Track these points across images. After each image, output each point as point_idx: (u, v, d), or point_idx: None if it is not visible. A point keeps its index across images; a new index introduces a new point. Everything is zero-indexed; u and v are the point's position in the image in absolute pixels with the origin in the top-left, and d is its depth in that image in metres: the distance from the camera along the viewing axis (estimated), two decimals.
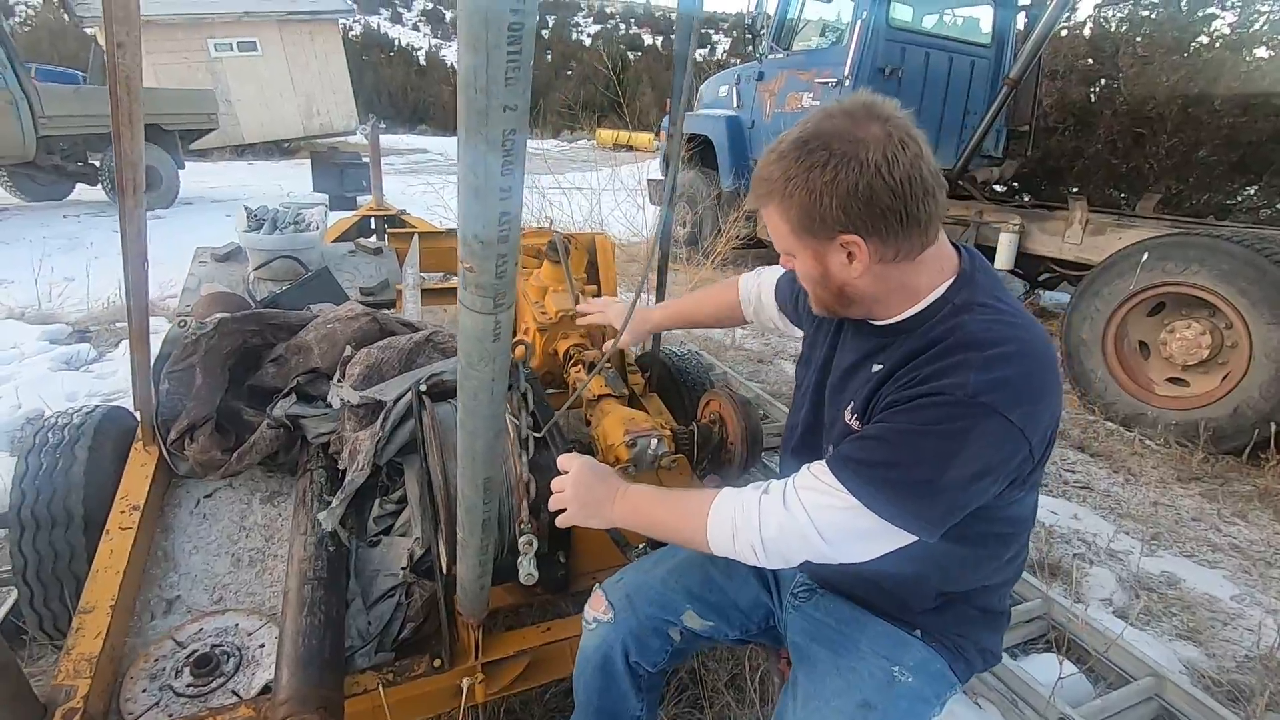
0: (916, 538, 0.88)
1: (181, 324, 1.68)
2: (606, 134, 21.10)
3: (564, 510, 1.07)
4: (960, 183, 5.44)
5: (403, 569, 1.50)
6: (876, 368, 0.97)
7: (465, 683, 1.30)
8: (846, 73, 5.12)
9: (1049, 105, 6.85)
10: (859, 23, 5.05)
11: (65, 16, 14.73)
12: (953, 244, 1.00)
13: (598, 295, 2.25)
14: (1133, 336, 3.59)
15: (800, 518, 0.89)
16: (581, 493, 1.06)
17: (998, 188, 6.58)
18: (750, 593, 1.14)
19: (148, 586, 1.54)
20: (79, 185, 8.60)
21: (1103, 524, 2.67)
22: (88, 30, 14.49)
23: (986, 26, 5.93)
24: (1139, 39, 6.95)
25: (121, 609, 1.41)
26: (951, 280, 0.95)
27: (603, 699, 1.13)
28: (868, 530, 0.88)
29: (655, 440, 1.46)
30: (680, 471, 1.51)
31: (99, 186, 8.11)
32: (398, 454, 1.59)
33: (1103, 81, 7.10)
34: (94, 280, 4.80)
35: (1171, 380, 3.46)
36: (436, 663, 1.34)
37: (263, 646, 1.41)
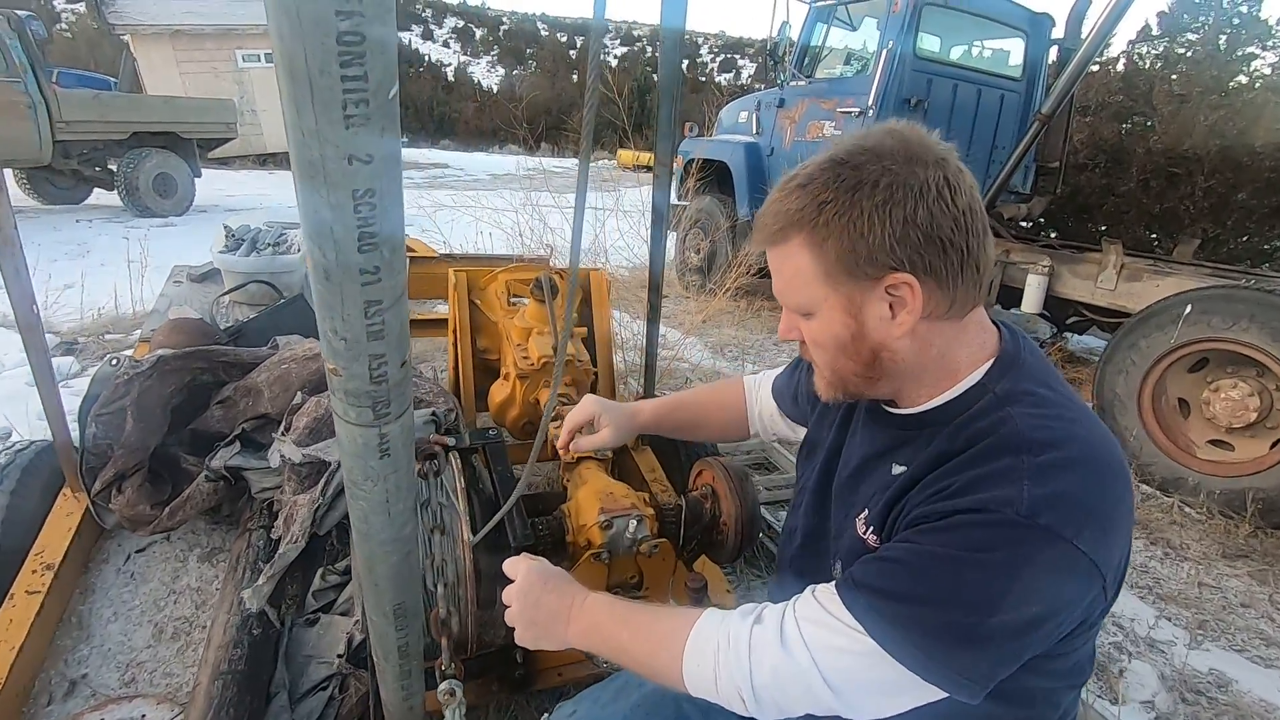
0: (950, 695, 0.67)
1: (112, 362, 1.51)
2: (627, 155, 21.03)
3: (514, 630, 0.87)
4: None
5: (339, 656, 1.31)
6: (898, 469, 0.77)
7: None
8: (870, 102, 4.95)
9: (1079, 142, 6.64)
10: (884, 52, 4.88)
11: (107, 24, 14.98)
12: (994, 321, 0.81)
13: (588, 337, 2.06)
14: (1172, 393, 3.34)
15: (802, 661, 0.69)
16: (528, 610, 0.86)
17: (1024, 224, 6.36)
18: None
19: (53, 660, 1.36)
20: (96, 190, 8.62)
21: (1141, 607, 2.41)
22: (123, 37, 14.74)
23: (1017, 59, 5.75)
24: (1175, 77, 6.74)
25: (9, 693, 1.22)
26: (991, 362, 0.76)
27: None
28: (889, 683, 0.67)
29: (634, 521, 1.25)
30: (664, 557, 1.31)
31: (115, 192, 8.11)
32: (346, 520, 1.40)
33: (1136, 119, 6.89)
34: (93, 289, 4.70)
35: (1214, 443, 3.20)
36: None
37: None
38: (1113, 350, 3.52)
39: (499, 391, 1.86)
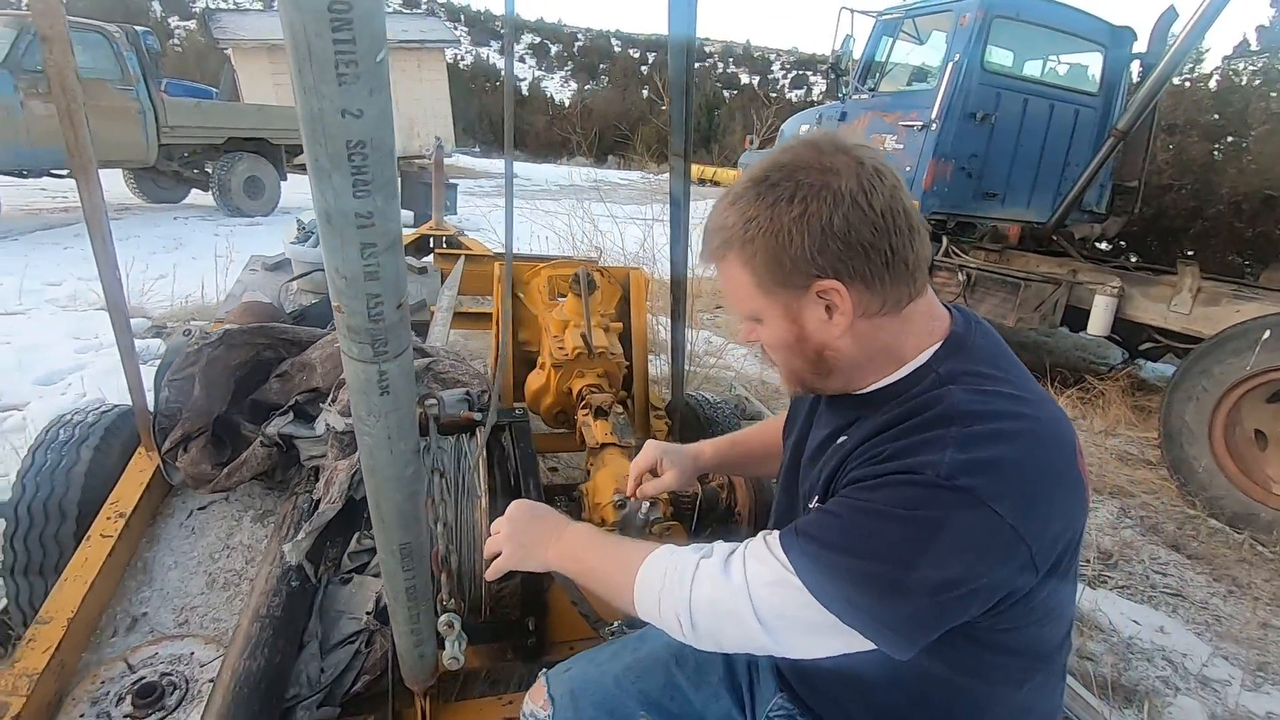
0: (874, 646, 0.71)
1: (186, 332, 1.66)
2: (692, 169, 21.26)
3: (499, 556, 0.95)
4: (1055, 238, 5.04)
5: (368, 613, 1.40)
6: (842, 439, 0.81)
7: None
8: (934, 116, 4.86)
9: (1164, 161, 6.33)
10: (950, 64, 4.80)
11: (213, 39, 16.20)
12: (946, 306, 0.83)
13: (624, 333, 2.12)
14: (1247, 424, 3.14)
15: (738, 591, 0.74)
16: (517, 532, 0.94)
17: (1102, 246, 6.09)
18: (720, 709, 0.96)
19: (119, 599, 1.50)
20: (194, 191, 9.28)
21: (1196, 643, 2.28)
22: (225, 51, 15.87)
23: (1095, 74, 5.54)
24: (1273, 94, 6.35)
25: (80, 623, 1.36)
26: (939, 345, 0.79)
27: None
28: (814, 624, 0.71)
29: (647, 503, 1.30)
30: (675, 539, 1.34)
31: (209, 193, 8.72)
32: None
33: (1229, 139, 6.51)
34: (184, 280, 5.07)
35: None
36: None
37: (211, 681, 1.32)
38: (1182, 375, 3.34)
39: (535, 380, 1.94)
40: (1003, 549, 0.67)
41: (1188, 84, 7.26)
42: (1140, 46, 5.44)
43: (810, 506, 0.83)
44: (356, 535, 1.52)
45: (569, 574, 0.93)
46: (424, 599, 0.92)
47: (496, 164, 23.11)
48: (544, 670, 1.01)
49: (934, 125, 4.88)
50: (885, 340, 0.78)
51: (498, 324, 2.07)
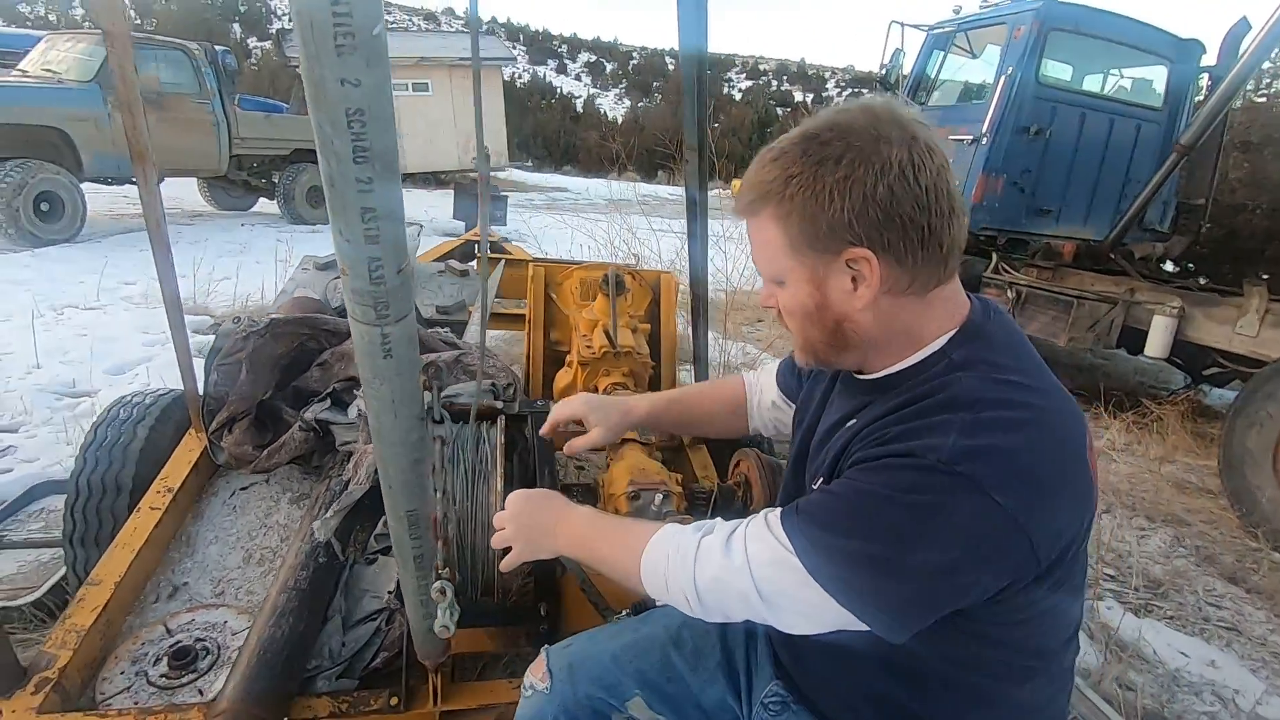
0: (868, 628, 0.71)
1: (235, 320, 1.76)
2: (740, 184, 21.24)
3: (509, 551, 0.97)
4: (1112, 255, 4.85)
5: (389, 593, 1.45)
6: (851, 422, 0.81)
7: None
8: (984, 130, 4.77)
9: (1237, 180, 6.03)
10: (1003, 78, 4.71)
11: (285, 57, 17.10)
12: (969, 295, 0.82)
13: (653, 334, 2.14)
14: None
15: (740, 570, 0.76)
16: (523, 521, 0.95)
17: (1167, 267, 5.82)
18: (715, 690, 0.96)
19: (163, 568, 1.58)
20: (261, 199, 9.75)
21: (1250, 679, 2.15)
22: (297, 69, 16.69)
23: (1160, 88, 5.35)
24: None
25: (126, 587, 1.44)
26: (955, 331, 0.78)
27: None
28: (812, 603, 0.72)
29: (660, 495, 1.31)
30: None
31: (275, 201, 9.15)
32: None
33: None
34: (246, 282, 5.34)
35: None
36: (393, 701, 1.26)
37: (240, 648, 1.39)
38: (1245, 400, 3.18)
39: (563, 378, 1.98)
40: (1002, 539, 0.66)
41: (1264, 99, 6.93)
42: (1210, 60, 5.23)
43: (813, 488, 0.83)
44: (382, 519, 1.58)
45: (579, 559, 0.95)
46: (430, 569, 0.96)
47: (549, 178, 23.57)
48: (545, 646, 1.03)
49: (984, 139, 4.78)
50: (905, 321, 0.77)
51: (530, 322, 2.13)
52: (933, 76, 5.66)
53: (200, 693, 1.29)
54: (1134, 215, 4.58)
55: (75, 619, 1.33)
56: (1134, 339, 4.37)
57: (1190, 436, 4.08)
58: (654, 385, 2.07)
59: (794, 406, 1.15)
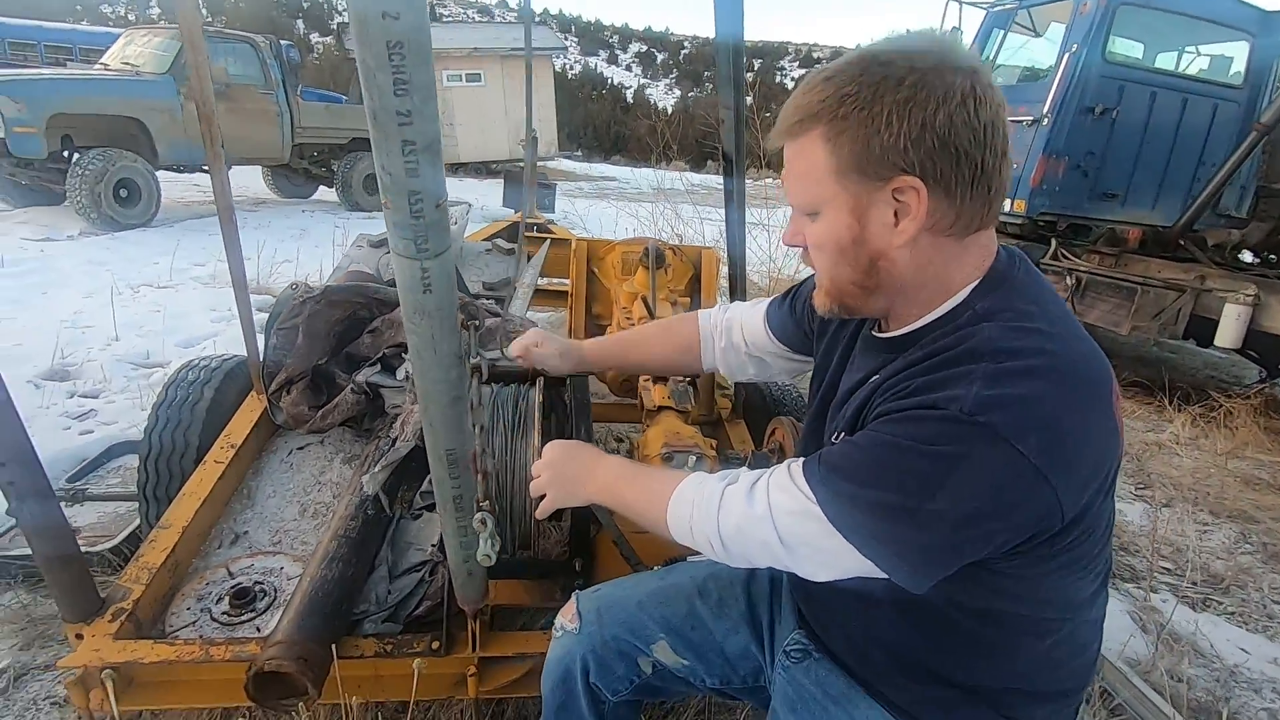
0: (887, 576, 0.71)
1: (293, 287, 1.85)
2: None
3: (545, 498, 1.00)
4: (1182, 242, 4.62)
5: (432, 546, 1.51)
6: (873, 379, 0.80)
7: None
8: (1045, 110, 4.59)
9: None
10: (1066, 56, 4.52)
11: (345, 50, 17.62)
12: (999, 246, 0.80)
13: (692, 308, 2.16)
14: None
15: (762, 519, 0.77)
16: (557, 470, 0.98)
17: (1246, 256, 5.49)
18: (738, 640, 0.98)
19: (226, 517, 1.68)
20: (321, 187, 10.09)
21: None
22: (356, 61, 17.16)
23: (1241, 65, 5.04)
24: None
25: (193, 532, 1.55)
26: (979, 281, 0.76)
27: (560, 717, 1.03)
28: (832, 550, 0.72)
29: (694, 458, 1.33)
30: None
31: (334, 189, 9.46)
32: None
33: None
34: (305, 264, 5.56)
35: None
36: (435, 645, 1.32)
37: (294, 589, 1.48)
38: None
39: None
40: (1025, 489, 0.65)
41: None
42: None
43: (833, 442, 0.84)
44: (428, 477, 1.64)
45: (611, 507, 0.97)
46: (470, 509, 1.00)
47: (597, 167, 23.67)
48: (577, 591, 1.07)
49: (1045, 120, 4.61)
50: (938, 266, 0.75)
51: (572, 296, 2.17)
52: (991, 56, 5.47)
53: (258, 630, 1.38)
54: (1207, 199, 4.35)
55: (147, 558, 1.43)
56: (1204, 329, 4.16)
57: (1262, 432, 3.87)
58: None
59: (784, 347, 1.14)
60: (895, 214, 0.73)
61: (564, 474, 0.98)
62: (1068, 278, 4.40)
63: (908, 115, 0.68)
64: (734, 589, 1.02)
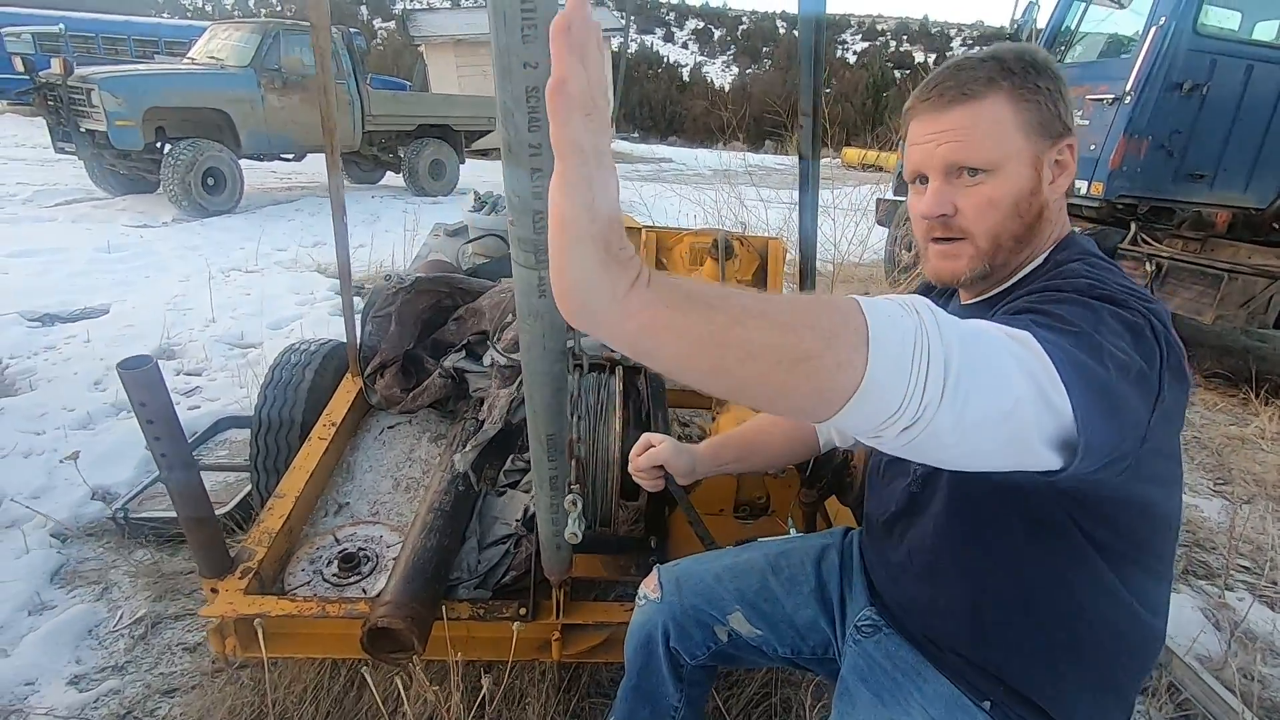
0: (1070, 416, 0.58)
1: (387, 278, 1.99)
2: (853, 153, 20.36)
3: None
4: (1276, 225, 4.38)
5: (516, 520, 1.63)
6: None
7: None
8: (1129, 88, 4.38)
9: None
10: (1154, 28, 4.29)
11: (409, 37, 18.02)
12: None
13: None
14: None
15: (996, 339, 0.60)
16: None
17: None
18: (808, 614, 1.06)
19: (329, 489, 1.85)
20: (388, 173, 10.44)
21: None
22: (419, 48, 17.55)
23: None
24: None
25: (303, 501, 1.71)
26: (1059, 242, 0.87)
27: (643, 678, 1.13)
28: (1027, 366, 0.58)
29: None
30: (788, 482, 1.44)
31: (400, 175, 9.78)
32: None
33: None
34: (378, 248, 5.82)
35: None
36: (522, 610, 1.44)
37: (395, 558, 1.62)
38: None
39: None
40: (1147, 345, 0.67)
41: None
42: None
43: None
44: (510, 457, 1.77)
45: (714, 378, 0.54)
46: (562, 491, 1.10)
47: (655, 149, 23.58)
48: (657, 564, 1.16)
49: (1128, 98, 4.40)
50: (1055, 214, 0.86)
51: None
52: (1072, 30, 5.23)
53: (364, 591, 1.53)
54: None
55: (266, 524, 1.60)
56: None
57: None
58: None
59: None
60: (1058, 166, 0.84)
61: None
62: (1147, 264, 4.23)
63: (1063, 90, 0.83)
64: (805, 567, 1.09)
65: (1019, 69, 0.82)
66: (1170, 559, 0.87)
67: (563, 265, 0.49)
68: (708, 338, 0.50)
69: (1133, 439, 0.66)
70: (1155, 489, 0.78)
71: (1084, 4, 5.11)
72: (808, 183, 1.53)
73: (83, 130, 6.95)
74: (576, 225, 0.47)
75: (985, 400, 0.55)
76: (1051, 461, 0.60)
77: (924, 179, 0.87)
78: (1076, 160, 0.85)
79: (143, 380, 1.22)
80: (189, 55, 8.45)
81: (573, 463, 1.03)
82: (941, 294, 0.99)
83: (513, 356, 1.72)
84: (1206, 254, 4.31)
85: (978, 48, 0.89)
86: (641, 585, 1.15)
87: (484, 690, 1.23)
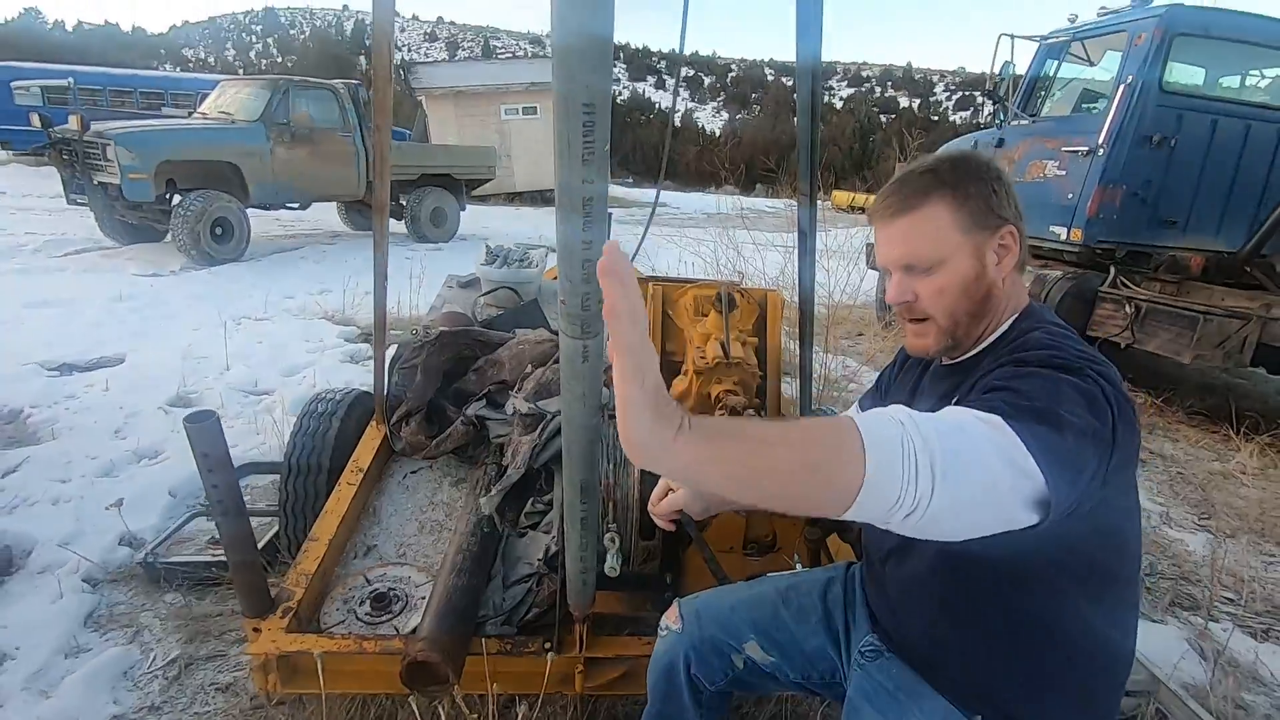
0: (1043, 483, 0.70)
1: (413, 333, 2.13)
2: (843, 195, 20.90)
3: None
4: (1248, 269, 4.59)
5: (539, 560, 1.73)
6: (954, 397, 0.97)
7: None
8: (1101, 141, 4.64)
9: None
10: (1122, 86, 4.57)
11: (409, 89, 18.58)
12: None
13: (760, 347, 2.35)
14: None
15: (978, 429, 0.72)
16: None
17: None
18: (816, 641, 1.16)
19: (357, 532, 1.95)
20: (390, 221, 10.68)
21: None
22: (419, 99, 18.08)
23: None
24: None
25: (335, 544, 1.81)
26: (1019, 314, 1.01)
27: (665, 704, 1.23)
28: (1001, 446, 0.70)
29: None
30: (793, 521, 1.56)
31: (403, 222, 10.03)
32: (552, 461, 1.85)
33: None
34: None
35: None
36: (547, 645, 1.54)
37: (423, 598, 1.72)
38: None
39: (679, 385, 2.23)
40: (1100, 408, 0.78)
41: None
42: None
43: None
44: (531, 499, 1.88)
45: (749, 491, 0.67)
46: (592, 531, 1.22)
47: (646, 194, 24.09)
48: (676, 597, 1.27)
49: (1101, 151, 4.66)
50: (1009, 290, 0.99)
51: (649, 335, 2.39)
52: (1045, 87, 5.54)
53: (396, 629, 1.62)
54: (1274, 225, 4.33)
55: (302, 566, 1.70)
56: (1274, 357, 4.13)
57: None
58: (761, 394, 2.28)
59: None
60: (1001, 250, 0.98)
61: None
62: (1126, 306, 4.42)
63: (1003, 185, 0.98)
64: (812, 598, 1.21)
65: (951, 179, 0.95)
66: (1136, 585, 0.99)
67: (625, 425, 0.64)
68: (740, 463, 0.66)
69: (1094, 487, 0.78)
70: (1120, 518, 0.92)
71: (1056, 62, 5.42)
72: (806, 250, 1.68)
73: (96, 183, 7.16)
74: (632, 399, 0.63)
75: (970, 481, 0.68)
76: (1030, 519, 0.72)
77: (889, 271, 1.04)
78: (1021, 243, 0.98)
79: (207, 433, 1.34)
80: (200, 110, 8.75)
81: (610, 504, 1.14)
82: (919, 360, 1.14)
83: (534, 405, 1.84)
84: (1183, 296, 4.50)
85: (920, 158, 1.05)
86: (663, 617, 1.26)
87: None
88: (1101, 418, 0.79)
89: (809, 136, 1.45)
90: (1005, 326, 1.00)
